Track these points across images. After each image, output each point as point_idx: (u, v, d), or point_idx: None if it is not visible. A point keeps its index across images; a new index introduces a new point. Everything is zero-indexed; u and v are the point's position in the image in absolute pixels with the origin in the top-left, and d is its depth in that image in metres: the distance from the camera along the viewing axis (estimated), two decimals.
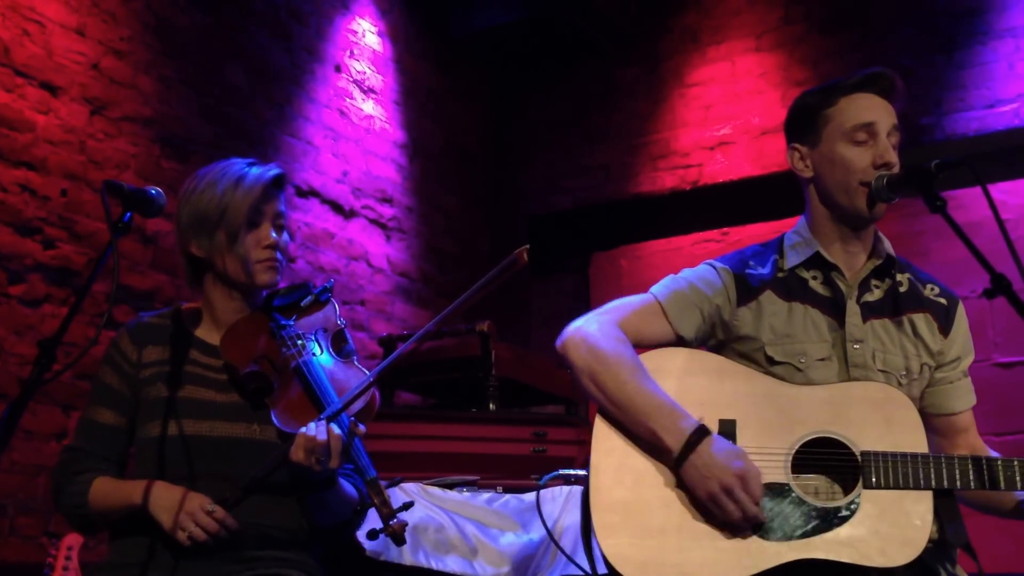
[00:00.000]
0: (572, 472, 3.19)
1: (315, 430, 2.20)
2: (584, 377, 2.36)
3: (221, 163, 2.49)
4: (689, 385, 2.35)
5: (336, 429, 2.22)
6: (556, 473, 3.14)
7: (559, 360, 2.44)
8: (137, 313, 3.13)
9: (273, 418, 2.31)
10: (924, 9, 5.61)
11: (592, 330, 2.39)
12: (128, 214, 2.20)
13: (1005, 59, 5.34)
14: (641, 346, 2.41)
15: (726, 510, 2.18)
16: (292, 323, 2.49)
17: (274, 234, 2.45)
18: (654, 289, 2.50)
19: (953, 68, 5.46)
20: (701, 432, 2.22)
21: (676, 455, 2.22)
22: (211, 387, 2.41)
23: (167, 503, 2.24)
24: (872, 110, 2.43)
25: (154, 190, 2.27)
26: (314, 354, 2.43)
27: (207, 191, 2.43)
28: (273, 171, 2.48)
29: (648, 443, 2.28)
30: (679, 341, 2.46)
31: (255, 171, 2.46)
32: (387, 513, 2.16)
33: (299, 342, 2.43)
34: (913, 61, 5.47)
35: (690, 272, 2.52)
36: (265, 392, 2.38)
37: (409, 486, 3.24)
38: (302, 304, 2.56)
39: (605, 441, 2.35)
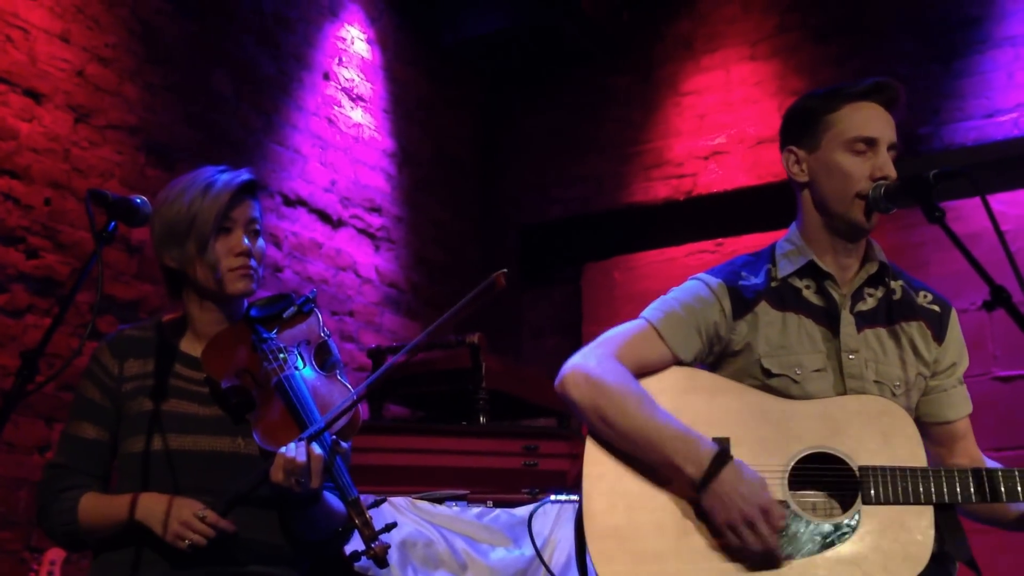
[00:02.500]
0: (562, 498, 3.16)
1: (295, 451, 2.15)
2: (590, 415, 2.31)
3: (193, 172, 2.45)
4: (681, 404, 2.31)
5: (317, 449, 2.17)
6: (546, 500, 3.14)
7: (561, 394, 2.38)
8: (119, 325, 3.08)
9: (255, 437, 2.26)
10: (921, 17, 5.56)
11: (591, 365, 2.33)
12: (112, 223, 2.19)
13: (1004, 68, 5.29)
14: (641, 374, 2.36)
15: (745, 541, 2.15)
16: (274, 336, 2.45)
17: (247, 241, 2.41)
18: (646, 314, 2.44)
19: (951, 77, 5.41)
20: (721, 459, 2.18)
21: (697, 483, 2.19)
22: (194, 400, 2.38)
23: (156, 512, 2.21)
24: (875, 124, 2.39)
25: (139, 199, 2.25)
26: (296, 368, 2.38)
27: (176, 201, 2.39)
28: (243, 176, 2.43)
29: (667, 473, 2.24)
30: (678, 364, 2.41)
31: (224, 177, 2.41)
32: (369, 535, 2.12)
33: (281, 355, 2.39)
34: (911, 70, 5.42)
35: (680, 291, 2.47)
36: (247, 407, 2.34)
37: (398, 500, 3.23)
38: (284, 316, 2.51)
39: (596, 466, 2.31)
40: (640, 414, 2.25)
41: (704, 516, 2.22)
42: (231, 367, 2.36)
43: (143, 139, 4.61)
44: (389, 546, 2.12)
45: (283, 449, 2.16)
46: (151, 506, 2.23)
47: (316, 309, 2.57)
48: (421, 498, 3.28)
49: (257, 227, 2.46)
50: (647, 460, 2.26)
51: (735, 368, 2.42)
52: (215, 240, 2.38)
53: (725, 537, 2.18)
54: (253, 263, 2.42)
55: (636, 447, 2.26)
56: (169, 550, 2.21)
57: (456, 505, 3.31)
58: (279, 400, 2.31)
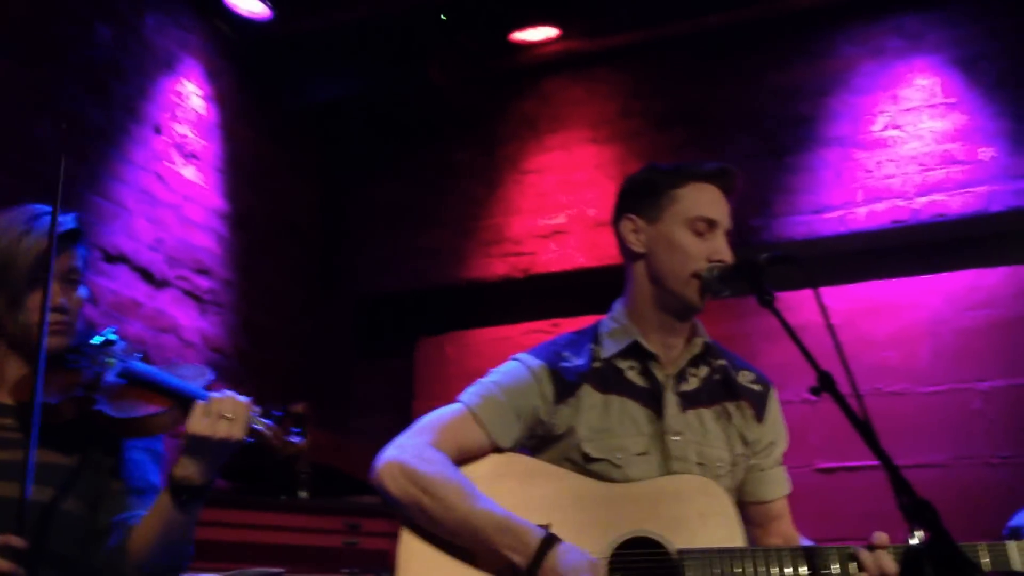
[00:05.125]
0: None
1: (212, 397, 2.04)
2: (410, 510, 2.22)
3: (14, 211, 2.31)
4: (497, 491, 2.25)
5: (238, 396, 2.07)
6: None
7: (378, 487, 2.29)
8: None
9: (107, 410, 2.09)
10: (758, 113, 5.74)
11: (408, 457, 2.24)
12: None
13: (832, 167, 5.49)
14: (461, 460, 2.29)
15: None
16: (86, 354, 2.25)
17: (63, 298, 2.24)
18: (464, 398, 2.38)
19: (783, 172, 5.58)
20: (547, 544, 2.12)
21: (525, 571, 2.11)
22: None
23: None
24: (717, 206, 2.43)
25: None
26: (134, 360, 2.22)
27: None
28: (65, 226, 2.27)
29: (496, 564, 2.16)
30: (498, 450, 2.34)
31: (41, 224, 2.25)
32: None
33: (108, 359, 2.22)
34: (745, 162, 5.55)
35: (499, 374, 2.42)
36: (87, 418, 2.12)
37: None
38: (91, 342, 2.31)
39: (410, 559, 2.23)
40: (462, 506, 2.17)
41: None
42: (48, 390, 2.14)
43: None
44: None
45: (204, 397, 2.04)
46: None
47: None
48: None
49: (76, 277, 2.30)
50: (473, 551, 2.18)
51: (556, 452, 2.37)
52: (29, 293, 2.22)
53: None
54: (67, 318, 2.25)
55: (461, 539, 2.19)
56: None
57: None
58: (128, 388, 2.14)
